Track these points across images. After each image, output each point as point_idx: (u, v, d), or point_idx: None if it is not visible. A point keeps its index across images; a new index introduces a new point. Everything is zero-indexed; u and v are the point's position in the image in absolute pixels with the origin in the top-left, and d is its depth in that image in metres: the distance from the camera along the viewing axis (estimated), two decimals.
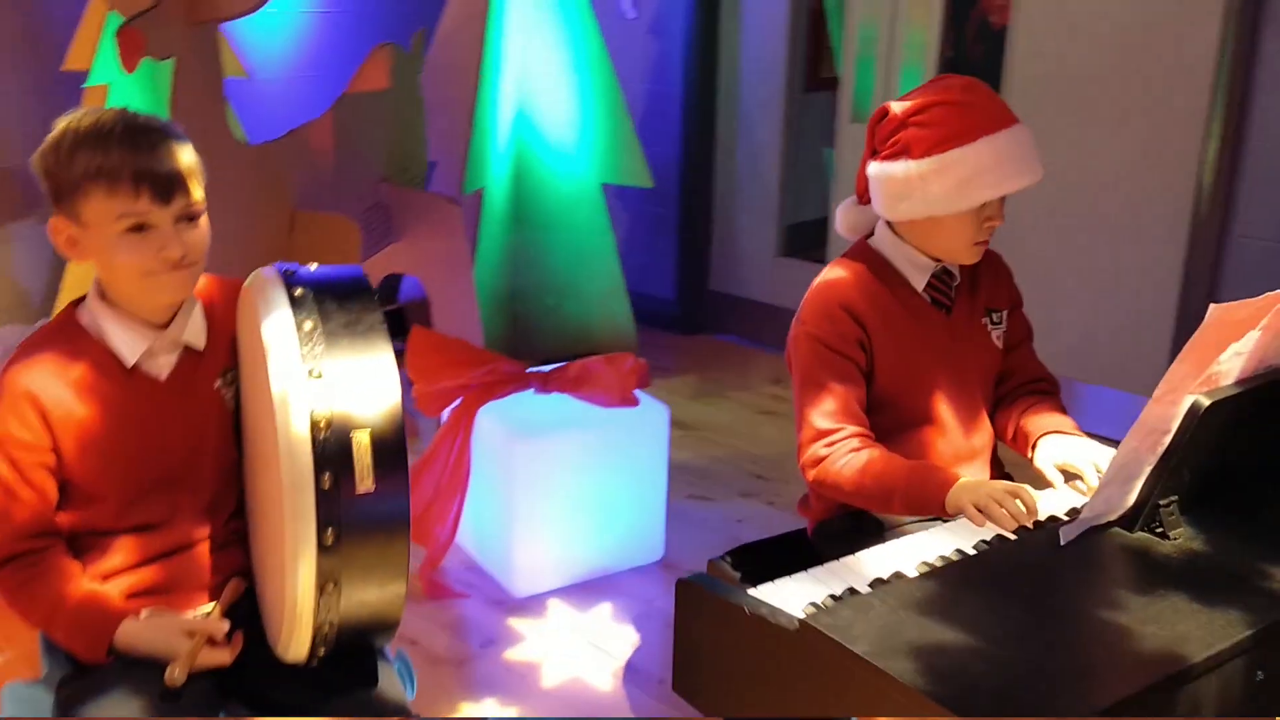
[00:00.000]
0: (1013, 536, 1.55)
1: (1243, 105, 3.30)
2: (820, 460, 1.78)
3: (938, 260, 1.86)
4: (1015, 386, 1.97)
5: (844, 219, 1.97)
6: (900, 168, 1.77)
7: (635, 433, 2.89)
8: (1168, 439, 1.38)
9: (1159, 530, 1.45)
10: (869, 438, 1.79)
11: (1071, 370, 3.55)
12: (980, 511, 1.58)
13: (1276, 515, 1.51)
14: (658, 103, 4.63)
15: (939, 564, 1.45)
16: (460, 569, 2.93)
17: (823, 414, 1.79)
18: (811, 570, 1.56)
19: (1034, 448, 1.83)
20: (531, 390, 2.90)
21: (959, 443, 1.89)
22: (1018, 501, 1.56)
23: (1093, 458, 1.72)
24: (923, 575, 1.41)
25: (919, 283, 1.87)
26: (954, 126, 1.73)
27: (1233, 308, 1.31)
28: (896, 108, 1.80)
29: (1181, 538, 1.44)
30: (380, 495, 1.34)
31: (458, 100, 3.93)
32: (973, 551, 1.49)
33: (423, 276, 3.33)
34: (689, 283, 4.77)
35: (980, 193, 1.73)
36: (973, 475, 1.90)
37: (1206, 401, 1.35)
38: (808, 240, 4.59)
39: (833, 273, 1.88)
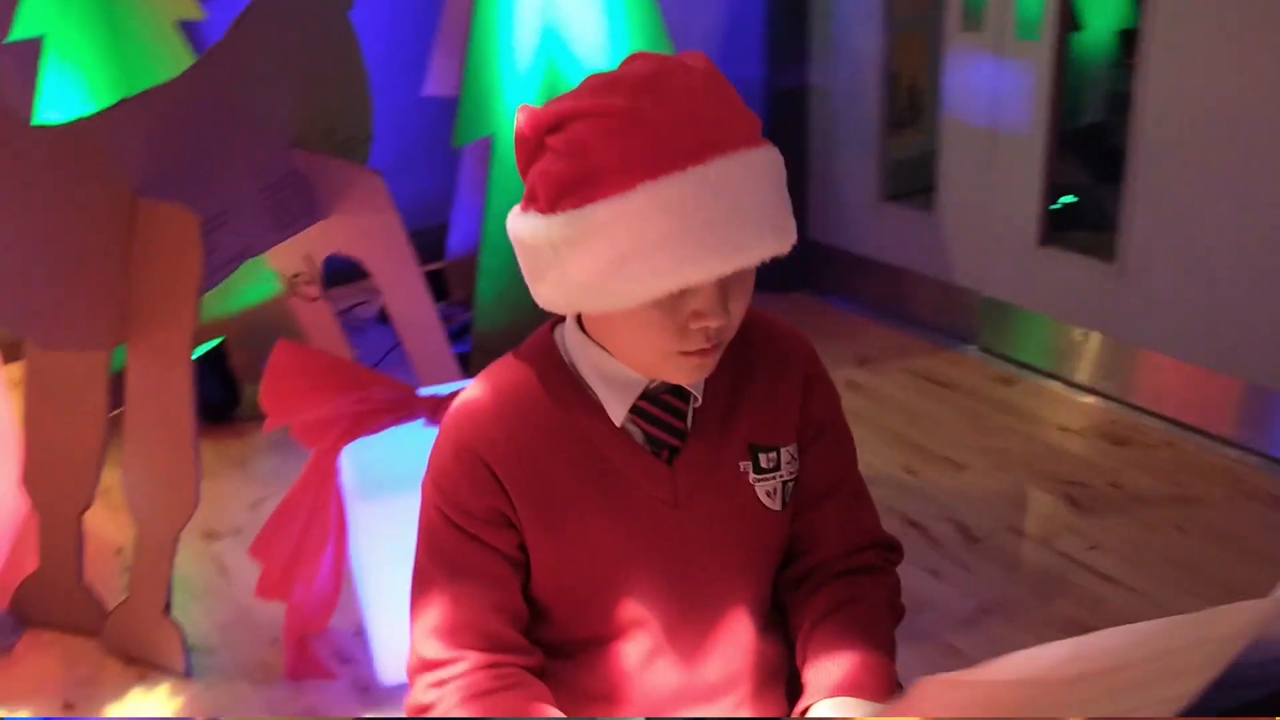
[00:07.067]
0: None
1: None
2: (424, 711, 1.09)
3: (652, 377, 1.08)
4: (814, 567, 1.16)
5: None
6: (527, 226, 1.00)
7: None
8: None
9: None
10: (499, 671, 1.08)
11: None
12: None
13: None
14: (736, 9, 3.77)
15: None
16: (349, 637, 2.37)
17: (432, 631, 1.10)
18: None
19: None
20: (420, 422, 2.26)
21: (681, 672, 1.13)
22: None
23: None
24: None
25: (617, 411, 1.09)
26: (599, 160, 0.93)
27: None
28: (534, 115, 0.99)
29: None
30: None
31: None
32: None
33: (363, 258, 2.75)
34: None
35: (653, 281, 0.94)
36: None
37: None
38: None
39: (485, 385, 1.13)
